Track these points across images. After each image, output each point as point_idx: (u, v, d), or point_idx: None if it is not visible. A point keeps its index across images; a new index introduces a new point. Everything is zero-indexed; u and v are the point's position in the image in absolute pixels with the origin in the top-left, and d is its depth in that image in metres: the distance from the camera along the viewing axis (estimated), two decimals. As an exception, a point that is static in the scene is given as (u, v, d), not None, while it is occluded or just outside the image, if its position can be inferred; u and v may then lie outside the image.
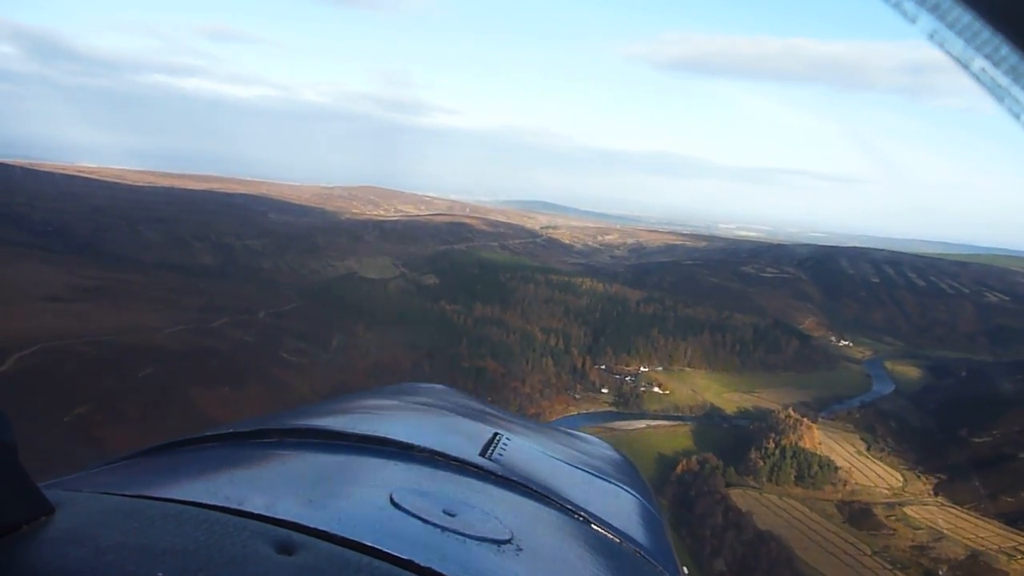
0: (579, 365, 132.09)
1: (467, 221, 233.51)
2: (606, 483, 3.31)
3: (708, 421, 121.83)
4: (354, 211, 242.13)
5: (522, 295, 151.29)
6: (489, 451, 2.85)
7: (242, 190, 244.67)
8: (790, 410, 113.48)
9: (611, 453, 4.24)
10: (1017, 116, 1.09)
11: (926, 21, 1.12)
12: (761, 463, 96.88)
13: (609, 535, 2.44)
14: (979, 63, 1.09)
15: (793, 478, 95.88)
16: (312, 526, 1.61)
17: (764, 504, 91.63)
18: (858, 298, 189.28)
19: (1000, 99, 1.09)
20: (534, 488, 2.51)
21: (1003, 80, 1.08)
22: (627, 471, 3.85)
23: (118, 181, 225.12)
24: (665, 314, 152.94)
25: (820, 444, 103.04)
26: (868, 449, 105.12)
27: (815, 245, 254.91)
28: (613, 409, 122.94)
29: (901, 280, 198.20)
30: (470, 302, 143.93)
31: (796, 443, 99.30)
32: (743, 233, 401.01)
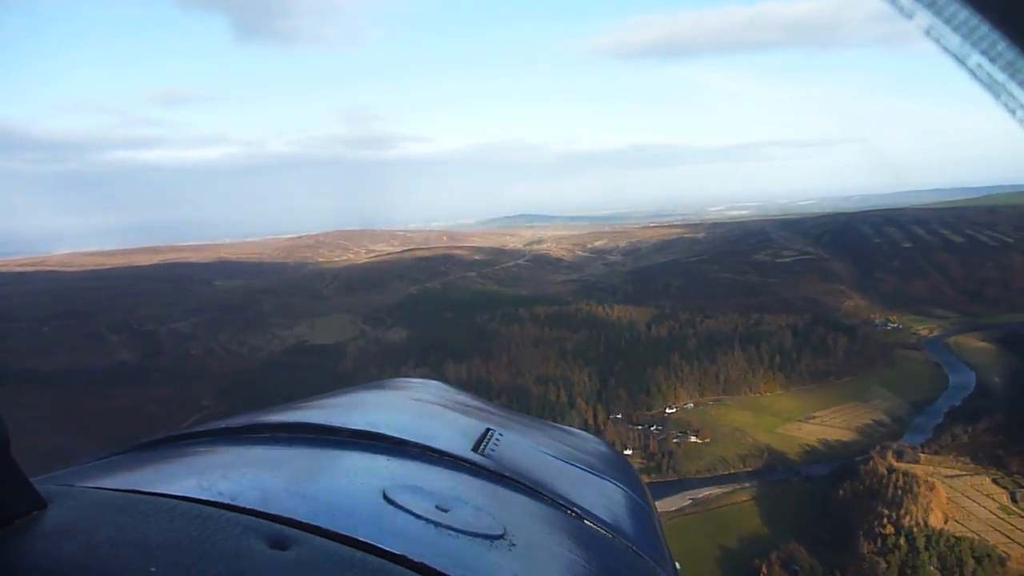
0: (588, 420, 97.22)
1: (443, 253, 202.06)
2: (599, 478, 3.11)
3: (771, 478, 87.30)
4: (320, 260, 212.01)
5: (506, 339, 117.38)
6: (482, 446, 2.73)
7: (195, 257, 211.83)
8: (888, 457, 77.79)
9: (603, 448, 3.93)
10: (1013, 112, 1.06)
11: (922, 16, 1.08)
12: (881, 561, 61.54)
13: (602, 530, 2.39)
14: (976, 59, 1.05)
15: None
16: (305, 521, 1.56)
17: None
18: (892, 268, 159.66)
19: (996, 95, 1.06)
20: (527, 483, 2.48)
21: (1000, 76, 1.05)
22: (619, 466, 3.63)
23: (58, 270, 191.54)
24: (682, 332, 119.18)
25: (950, 505, 67.67)
26: (1014, 499, 69.70)
27: (827, 215, 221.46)
28: (643, 479, 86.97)
29: (935, 239, 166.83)
30: (442, 358, 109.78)
31: (921, 518, 64.43)
32: (733, 213, 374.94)
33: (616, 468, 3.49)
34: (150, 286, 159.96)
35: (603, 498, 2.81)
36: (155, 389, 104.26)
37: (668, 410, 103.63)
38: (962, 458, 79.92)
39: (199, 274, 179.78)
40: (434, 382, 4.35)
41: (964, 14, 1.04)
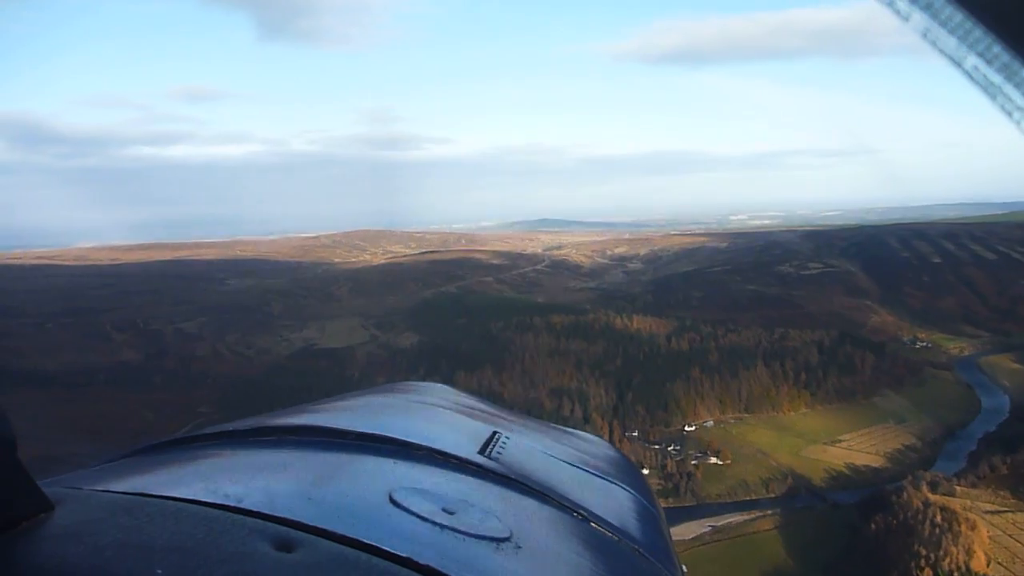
0: (604, 437, 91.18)
1: (460, 256, 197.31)
2: (605, 481, 3.11)
3: (797, 505, 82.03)
4: (336, 260, 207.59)
5: (521, 348, 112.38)
6: (488, 449, 2.73)
7: (211, 255, 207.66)
8: (922, 488, 72.21)
9: (610, 451, 3.88)
10: (1010, 114, 1.06)
11: (919, 19, 1.08)
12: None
13: (608, 533, 2.38)
14: (972, 61, 1.05)
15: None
16: (311, 524, 1.55)
17: None
18: (921, 284, 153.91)
19: (993, 97, 1.06)
20: (533, 486, 2.47)
21: (996, 78, 1.04)
22: (626, 469, 3.59)
23: (72, 264, 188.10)
24: (704, 346, 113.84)
25: (992, 546, 62.17)
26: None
27: (853, 228, 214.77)
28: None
29: (964, 255, 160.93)
30: (453, 367, 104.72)
31: (962, 561, 58.93)
32: (755, 222, 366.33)
33: (623, 471, 3.44)
34: (162, 283, 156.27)
35: (610, 501, 2.80)
36: (153, 393, 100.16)
37: (687, 428, 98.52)
38: (1002, 492, 74.45)
39: (212, 272, 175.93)
40: (441, 385, 4.31)
41: (959, 17, 1.04)
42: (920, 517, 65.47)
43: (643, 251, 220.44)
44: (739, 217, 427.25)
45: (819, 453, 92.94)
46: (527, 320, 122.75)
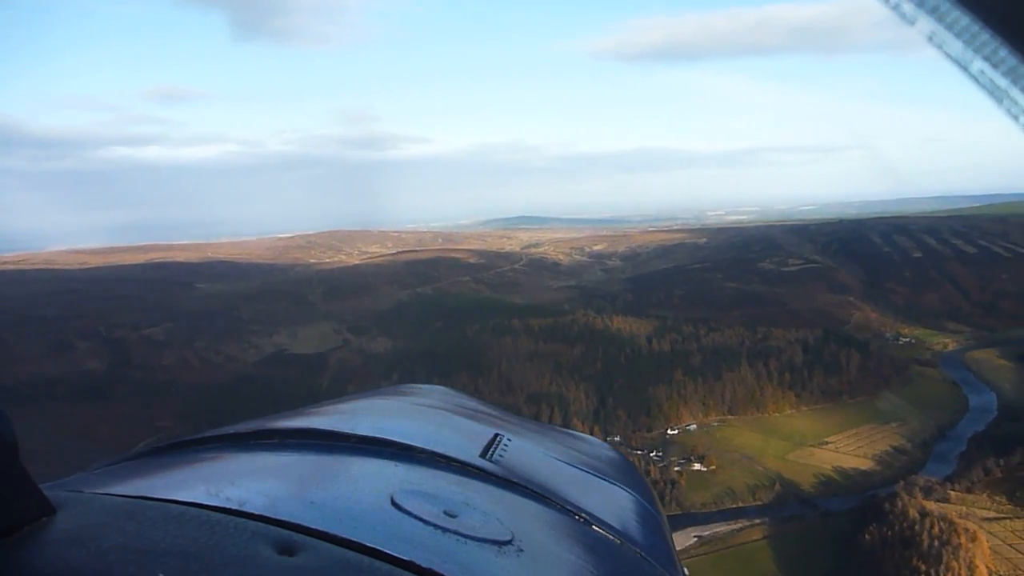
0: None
1: (437, 256, 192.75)
2: (606, 483, 3.13)
3: (785, 514, 78.04)
4: (310, 261, 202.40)
5: (498, 353, 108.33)
6: (490, 452, 2.73)
7: (183, 257, 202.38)
8: (916, 495, 68.75)
9: (611, 453, 3.92)
10: (1016, 118, 1.05)
11: (925, 23, 1.07)
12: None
13: (610, 536, 2.38)
14: (978, 65, 1.04)
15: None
16: (313, 527, 1.55)
17: None
18: (903, 279, 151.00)
19: (999, 101, 1.05)
20: (535, 489, 2.47)
21: (1002, 82, 1.04)
22: (627, 471, 3.60)
23: (40, 268, 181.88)
24: (686, 347, 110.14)
25: (994, 558, 58.71)
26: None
27: (834, 222, 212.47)
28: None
29: (946, 249, 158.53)
30: (429, 372, 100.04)
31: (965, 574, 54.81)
32: (733, 218, 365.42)
33: (624, 473, 3.44)
34: (129, 288, 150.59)
35: (611, 503, 2.81)
36: (112, 406, 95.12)
37: (670, 432, 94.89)
38: (997, 496, 71.25)
39: (184, 276, 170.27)
40: (442, 388, 4.29)
41: (966, 20, 1.03)
42: (918, 529, 61.91)
43: (622, 248, 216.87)
44: (716, 213, 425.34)
45: (806, 457, 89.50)
46: (504, 322, 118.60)
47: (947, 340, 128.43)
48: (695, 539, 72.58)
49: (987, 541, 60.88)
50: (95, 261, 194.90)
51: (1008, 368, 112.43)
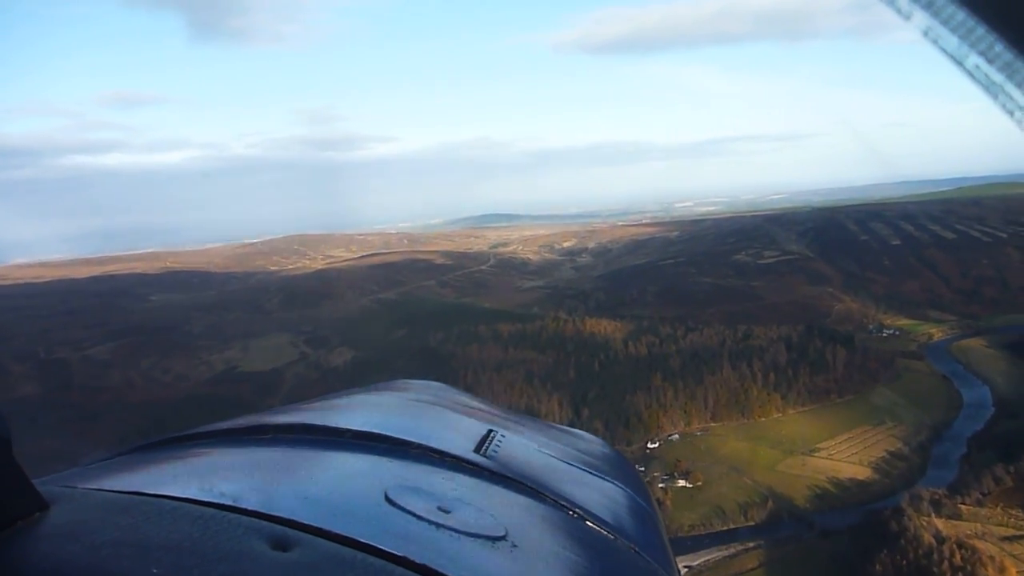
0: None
1: (402, 258, 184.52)
2: (601, 479, 3.07)
3: (780, 535, 70.56)
4: (271, 268, 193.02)
5: (464, 363, 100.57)
6: (484, 448, 2.71)
7: (140, 268, 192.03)
8: (925, 511, 61.37)
9: (605, 449, 3.88)
10: (1011, 113, 1.04)
11: (920, 18, 1.06)
12: None
13: (604, 531, 2.35)
14: (973, 60, 1.04)
15: None
16: (307, 522, 1.54)
17: None
18: (882, 268, 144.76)
19: (994, 96, 1.04)
20: (529, 484, 2.45)
21: (997, 77, 1.03)
22: (621, 467, 3.60)
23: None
24: (663, 349, 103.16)
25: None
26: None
27: (810, 211, 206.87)
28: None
29: (924, 236, 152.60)
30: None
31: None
32: (702, 210, 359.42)
33: (618, 469, 3.43)
34: (78, 303, 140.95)
35: (605, 499, 2.78)
36: (44, 438, 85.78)
37: (651, 444, 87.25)
38: (1013, 510, 63.86)
39: (137, 288, 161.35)
40: (436, 383, 4.25)
41: (961, 15, 1.02)
42: (936, 557, 54.47)
43: (591, 244, 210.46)
44: (685, 204, 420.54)
45: (798, 466, 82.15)
46: (471, 329, 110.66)
47: (932, 330, 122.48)
48: (685, 569, 64.75)
49: (1014, 567, 53.70)
50: (52, 275, 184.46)
51: (998, 358, 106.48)
